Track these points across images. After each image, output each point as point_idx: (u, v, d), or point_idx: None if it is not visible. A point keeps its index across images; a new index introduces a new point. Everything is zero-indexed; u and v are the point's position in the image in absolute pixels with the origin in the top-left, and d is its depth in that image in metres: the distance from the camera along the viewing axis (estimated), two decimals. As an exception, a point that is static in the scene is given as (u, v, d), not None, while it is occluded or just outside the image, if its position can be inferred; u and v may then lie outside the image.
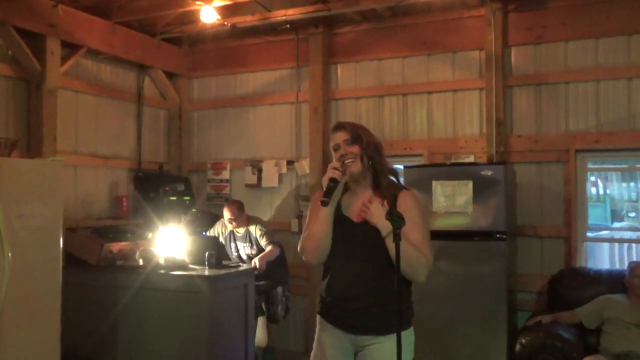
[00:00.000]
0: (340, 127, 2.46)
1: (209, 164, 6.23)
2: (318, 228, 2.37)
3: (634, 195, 8.46)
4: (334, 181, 2.28)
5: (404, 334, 2.19)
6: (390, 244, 2.20)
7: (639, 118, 4.65)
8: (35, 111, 4.69)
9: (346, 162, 2.37)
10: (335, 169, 2.31)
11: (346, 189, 2.46)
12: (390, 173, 2.47)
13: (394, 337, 2.15)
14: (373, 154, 2.40)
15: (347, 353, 2.39)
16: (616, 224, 7.39)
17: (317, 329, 2.50)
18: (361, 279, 2.34)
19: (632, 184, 8.44)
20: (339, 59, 5.71)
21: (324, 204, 2.28)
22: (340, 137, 2.42)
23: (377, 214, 2.27)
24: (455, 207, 4.29)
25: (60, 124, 4.87)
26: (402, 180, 2.66)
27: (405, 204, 2.33)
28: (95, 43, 5.16)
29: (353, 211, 2.41)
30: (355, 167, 2.38)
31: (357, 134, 2.41)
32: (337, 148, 2.42)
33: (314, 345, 2.49)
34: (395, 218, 1.99)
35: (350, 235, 2.36)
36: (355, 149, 2.38)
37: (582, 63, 4.85)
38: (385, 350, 2.28)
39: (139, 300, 4.33)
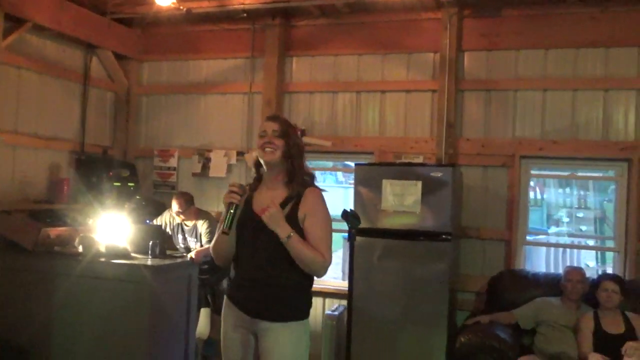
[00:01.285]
0: (274, 118, 2.61)
1: (156, 151, 6.08)
2: (219, 246, 2.59)
3: (569, 202, 8.84)
4: (230, 206, 2.42)
5: (301, 322, 2.50)
6: (288, 247, 2.39)
7: (582, 128, 4.84)
8: (-27, 86, 4.44)
9: (266, 149, 2.49)
10: (234, 192, 2.44)
11: (260, 181, 2.62)
12: (307, 176, 2.60)
13: (287, 325, 2.46)
14: (295, 155, 2.53)
15: (247, 333, 2.56)
16: (553, 229, 7.68)
17: (223, 308, 2.65)
18: (262, 270, 2.49)
19: (567, 190, 8.81)
20: (294, 52, 5.67)
21: (225, 234, 2.44)
22: (271, 126, 2.53)
23: (275, 219, 2.38)
24: (404, 207, 4.34)
25: (0, 101, 4.63)
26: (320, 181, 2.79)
27: (310, 201, 2.49)
28: (42, 18, 4.92)
29: (259, 205, 2.51)
30: (273, 156, 2.49)
31: (287, 131, 2.53)
32: (263, 135, 2.53)
33: (222, 324, 2.65)
34: (352, 218, 2.00)
35: (255, 229, 2.48)
36: (280, 142, 2.50)
37: (531, 72, 5.00)
38: (279, 336, 2.47)
39: (77, 289, 4.16)
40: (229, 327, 2.60)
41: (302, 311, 2.53)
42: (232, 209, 2.40)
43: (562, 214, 8.60)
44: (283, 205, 2.47)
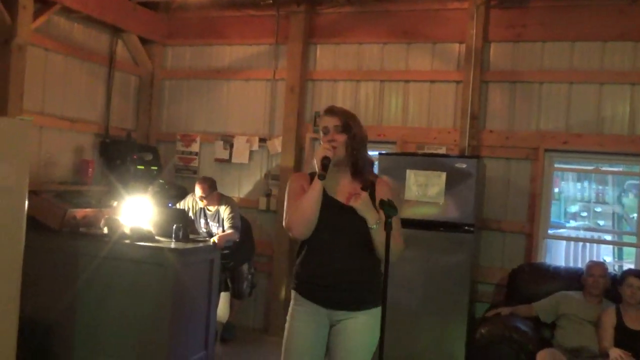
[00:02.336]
0: (333, 112, 2.54)
1: (179, 135, 6.12)
2: (309, 202, 2.43)
3: (587, 196, 8.77)
4: (327, 159, 2.39)
5: (376, 309, 2.43)
6: (374, 234, 2.36)
7: (607, 122, 4.80)
8: (3, 67, 4.45)
9: (332, 146, 2.46)
10: (328, 149, 2.42)
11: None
12: (370, 164, 2.60)
13: (366, 312, 2.46)
14: (358, 146, 2.50)
15: (322, 327, 2.52)
16: (572, 223, 7.63)
17: (291, 304, 2.60)
18: (341, 258, 2.46)
19: (585, 184, 8.74)
20: (318, 40, 5.66)
21: (322, 177, 2.37)
22: (332, 121, 2.50)
23: (366, 205, 2.36)
24: (427, 197, 4.35)
25: (27, 82, 4.66)
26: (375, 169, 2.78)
27: (384, 190, 2.48)
28: (70, 0, 4.95)
29: (338, 193, 2.51)
30: (339, 152, 2.48)
31: (348, 124, 2.50)
32: (326, 132, 2.50)
33: (288, 319, 2.58)
34: (388, 208, 2.02)
35: (336, 215, 2.46)
36: (343, 137, 2.47)
37: (557, 64, 4.95)
38: (358, 324, 2.47)
39: (102, 270, 4.23)
40: (297, 323, 2.53)
41: (378, 297, 2.46)
42: (326, 161, 2.38)
43: (580, 208, 8.54)
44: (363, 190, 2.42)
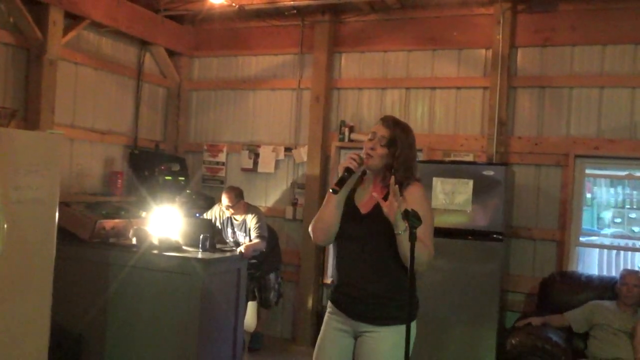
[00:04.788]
0: (387, 121, 2.44)
1: (206, 146, 6.17)
2: (326, 213, 2.42)
3: (620, 202, 8.54)
4: (348, 171, 2.31)
5: (404, 328, 2.25)
6: (402, 241, 2.21)
7: (640, 127, 4.69)
8: (35, 81, 4.59)
9: (368, 154, 2.39)
10: (353, 159, 2.33)
11: (362, 180, 2.50)
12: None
13: (393, 329, 2.32)
14: (398, 166, 2.37)
15: (348, 337, 2.48)
16: (605, 230, 7.45)
17: (327, 311, 2.59)
18: (363, 269, 2.40)
19: (619, 189, 8.52)
20: (343, 48, 5.67)
21: (334, 192, 2.32)
22: (381, 131, 2.41)
23: (394, 212, 2.22)
24: (455, 205, 4.29)
25: (58, 96, 4.78)
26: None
27: (414, 195, 2.35)
28: (99, 15, 5.06)
29: (362, 203, 2.46)
30: (373, 162, 2.40)
31: (395, 140, 2.38)
32: (372, 138, 2.42)
33: (322, 325, 2.58)
34: (412, 218, 1.99)
35: (358, 225, 2.42)
36: (383, 151, 2.38)
37: (587, 69, 4.86)
38: (381, 340, 2.36)
39: (131, 279, 4.29)
40: (328, 330, 2.52)
41: (404, 313, 2.29)
42: (346, 172, 2.30)
43: (613, 215, 8.33)
44: (385, 199, 2.27)
